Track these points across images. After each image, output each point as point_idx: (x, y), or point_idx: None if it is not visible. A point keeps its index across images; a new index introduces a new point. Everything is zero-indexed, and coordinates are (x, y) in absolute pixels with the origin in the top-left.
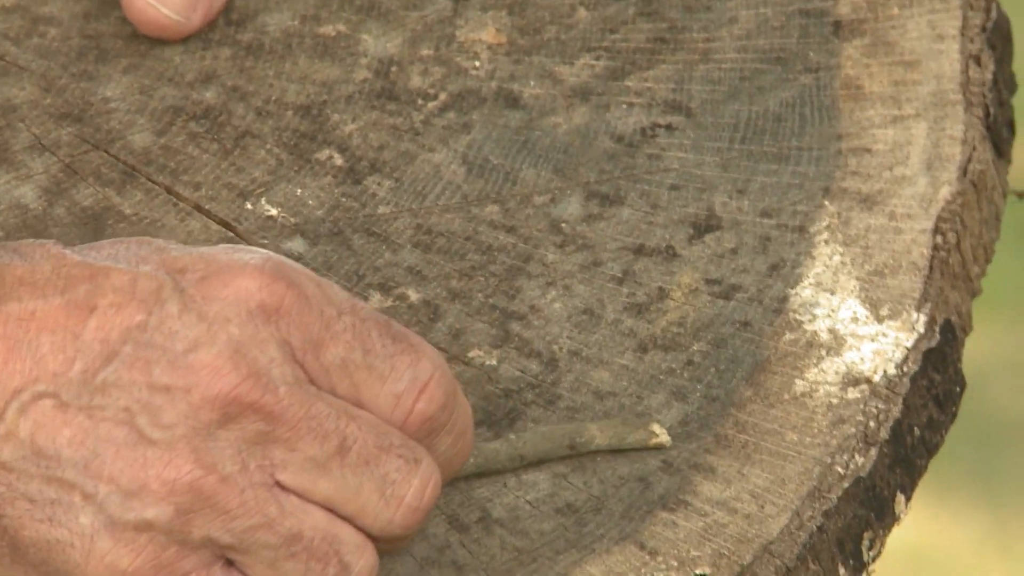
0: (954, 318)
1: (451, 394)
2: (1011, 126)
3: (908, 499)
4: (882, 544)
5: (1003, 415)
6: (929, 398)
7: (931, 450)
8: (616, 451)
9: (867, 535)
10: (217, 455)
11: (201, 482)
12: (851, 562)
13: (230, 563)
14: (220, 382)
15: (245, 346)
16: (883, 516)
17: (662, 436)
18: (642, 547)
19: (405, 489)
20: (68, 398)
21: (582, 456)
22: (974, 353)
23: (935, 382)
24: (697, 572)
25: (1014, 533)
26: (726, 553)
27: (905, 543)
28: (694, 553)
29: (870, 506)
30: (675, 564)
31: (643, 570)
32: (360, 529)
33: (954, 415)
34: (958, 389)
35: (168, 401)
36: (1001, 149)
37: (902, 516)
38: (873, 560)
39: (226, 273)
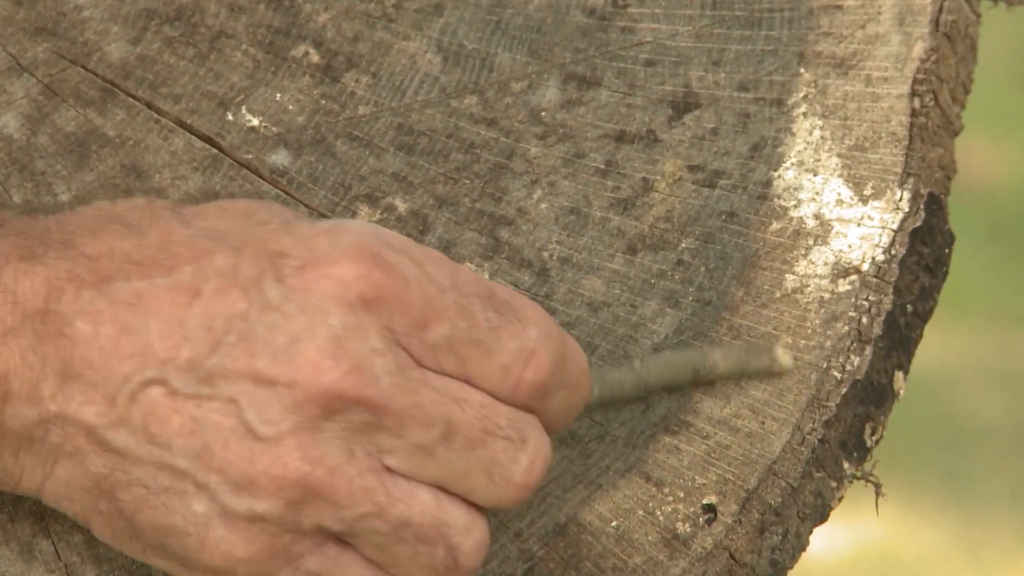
0: (938, 175)
1: (559, 356)
2: None
3: (906, 373)
4: (884, 427)
5: (971, 419)
6: (919, 270)
7: (925, 317)
8: (739, 377)
9: (868, 425)
10: (324, 447)
11: (309, 477)
12: (855, 454)
13: (342, 540)
14: (322, 378)
15: (345, 339)
16: (883, 402)
17: (785, 360)
18: (648, 478)
19: (512, 469)
20: (177, 385)
21: (707, 385)
22: (943, 357)
23: (924, 255)
24: (704, 502)
25: (982, 537)
26: (731, 479)
27: (874, 546)
28: (700, 481)
29: (870, 401)
30: (681, 495)
31: (650, 504)
32: (470, 504)
33: (945, 273)
34: (948, 251)
35: (272, 395)
36: None
37: (901, 392)
38: (876, 443)
39: (324, 262)
